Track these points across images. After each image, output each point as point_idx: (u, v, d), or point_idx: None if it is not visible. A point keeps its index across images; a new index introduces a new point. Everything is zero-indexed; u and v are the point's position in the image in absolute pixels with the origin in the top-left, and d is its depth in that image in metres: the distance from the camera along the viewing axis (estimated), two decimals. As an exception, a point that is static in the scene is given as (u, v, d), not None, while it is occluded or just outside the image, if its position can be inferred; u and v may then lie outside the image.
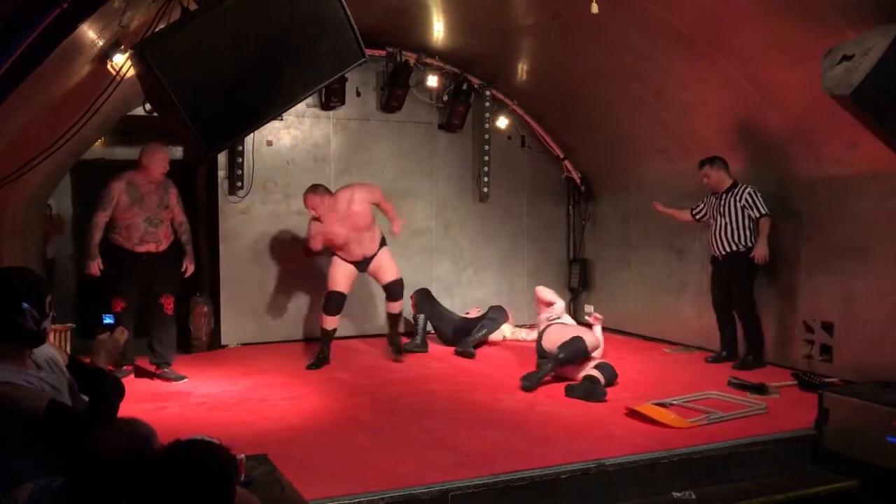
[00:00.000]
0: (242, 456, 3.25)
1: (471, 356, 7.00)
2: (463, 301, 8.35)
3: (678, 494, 4.12)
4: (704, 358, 6.71)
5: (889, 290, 5.55)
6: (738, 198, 6.32)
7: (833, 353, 5.98)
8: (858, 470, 4.32)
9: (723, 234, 6.39)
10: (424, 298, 7.66)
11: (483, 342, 7.43)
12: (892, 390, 4.57)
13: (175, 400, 5.49)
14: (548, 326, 6.24)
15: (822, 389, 4.79)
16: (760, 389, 5.50)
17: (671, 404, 5.17)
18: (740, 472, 4.38)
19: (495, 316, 7.59)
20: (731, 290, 6.47)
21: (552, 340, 5.99)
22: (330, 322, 6.64)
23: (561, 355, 5.76)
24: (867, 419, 4.37)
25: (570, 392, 5.51)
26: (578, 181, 8.81)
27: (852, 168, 5.71)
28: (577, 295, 8.96)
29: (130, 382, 5.59)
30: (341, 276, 6.58)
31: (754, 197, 6.26)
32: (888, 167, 5.33)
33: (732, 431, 4.68)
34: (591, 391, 5.43)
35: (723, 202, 6.41)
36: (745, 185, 6.35)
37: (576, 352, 5.76)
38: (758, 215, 6.24)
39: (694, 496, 4.10)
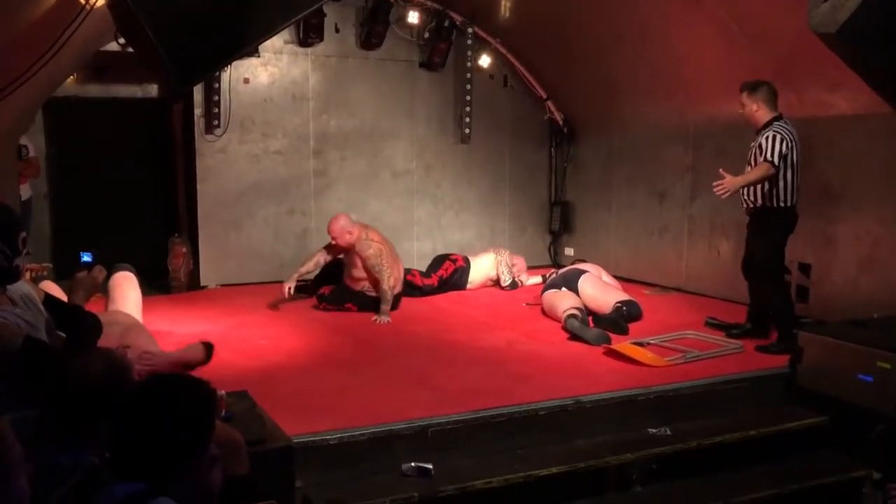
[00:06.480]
0: (223, 392, 3.26)
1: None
2: (444, 243, 8.34)
3: (654, 430, 4.20)
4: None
5: (867, 230, 5.60)
6: (762, 139, 5.09)
7: (809, 294, 6.05)
8: (830, 406, 4.42)
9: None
10: None
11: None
12: (864, 329, 4.65)
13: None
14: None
15: (797, 329, 4.86)
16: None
17: (649, 343, 5.24)
18: (715, 409, 4.46)
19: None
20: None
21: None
22: None
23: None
24: (840, 357, 4.45)
25: (597, 321, 5.70)
26: (561, 122, 8.74)
27: (834, 109, 5.69)
28: (557, 237, 8.98)
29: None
30: None
31: (772, 140, 5.00)
32: (868, 108, 5.31)
33: (708, 370, 4.76)
34: (616, 323, 5.64)
35: (752, 144, 5.21)
36: (777, 124, 5.07)
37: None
38: (763, 159, 5.00)
39: (669, 432, 4.19)
